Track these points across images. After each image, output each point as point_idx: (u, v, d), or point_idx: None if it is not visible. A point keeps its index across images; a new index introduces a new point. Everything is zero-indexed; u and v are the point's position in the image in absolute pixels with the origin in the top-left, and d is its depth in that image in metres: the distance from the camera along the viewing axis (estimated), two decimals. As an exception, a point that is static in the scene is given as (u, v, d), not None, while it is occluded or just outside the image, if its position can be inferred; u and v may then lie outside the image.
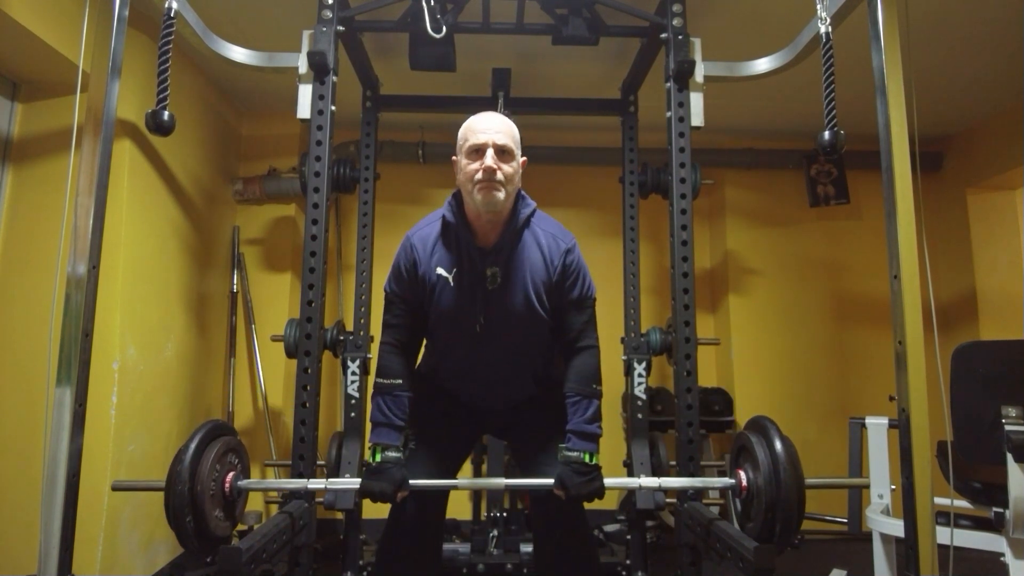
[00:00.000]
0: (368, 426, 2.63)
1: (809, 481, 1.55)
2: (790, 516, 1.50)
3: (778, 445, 1.56)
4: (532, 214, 1.64)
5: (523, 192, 1.64)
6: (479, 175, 1.50)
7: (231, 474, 1.64)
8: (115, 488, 1.76)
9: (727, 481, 1.70)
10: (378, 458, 1.57)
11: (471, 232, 1.60)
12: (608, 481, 1.60)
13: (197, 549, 1.53)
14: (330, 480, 1.76)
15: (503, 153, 1.53)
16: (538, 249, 1.61)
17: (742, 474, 1.66)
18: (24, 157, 2.35)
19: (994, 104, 3.34)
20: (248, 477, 1.72)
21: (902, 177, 1.55)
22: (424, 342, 1.79)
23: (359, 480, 1.60)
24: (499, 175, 1.50)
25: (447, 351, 1.73)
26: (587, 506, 1.73)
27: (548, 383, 1.75)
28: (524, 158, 1.62)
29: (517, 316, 1.60)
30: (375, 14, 2.28)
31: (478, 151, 1.52)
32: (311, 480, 1.75)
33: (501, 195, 1.52)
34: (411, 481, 1.58)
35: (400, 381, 1.63)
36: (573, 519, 1.69)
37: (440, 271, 1.61)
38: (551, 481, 1.57)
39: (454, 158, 1.60)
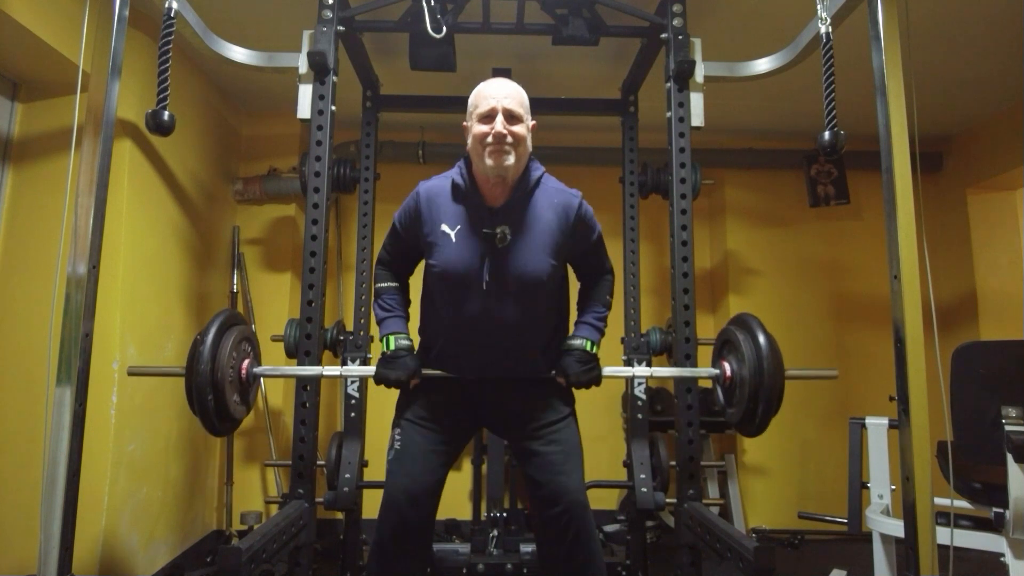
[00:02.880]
0: (368, 426, 2.65)
1: (789, 372, 1.66)
2: (771, 402, 1.62)
3: (761, 338, 1.66)
4: (542, 176, 1.67)
5: (533, 156, 1.66)
6: (489, 139, 1.53)
7: (246, 361, 1.73)
8: (130, 373, 1.84)
9: (712, 371, 1.83)
10: (392, 346, 1.65)
11: (479, 194, 1.62)
12: (606, 370, 1.71)
13: (218, 429, 1.64)
14: (344, 368, 1.85)
15: (512, 118, 1.56)
16: (550, 208, 1.63)
17: (726, 364, 1.76)
18: (24, 157, 2.36)
19: (994, 104, 3.34)
20: (261, 365, 1.81)
21: (902, 177, 1.55)
22: (421, 313, 1.78)
23: (374, 368, 1.67)
24: (509, 139, 1.54)
25: (451, 313, 1.65)
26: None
27: (554, 355, 1.71)
28: (534, 122, 1.64)
29: (528, 274, 1.59)
30: (375, 14, 2.28)
31: (488, 116, 1.55)
32: (325, 368, 1.84)
33: (511, 159, 1.55)
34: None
35: (396, 284, 1.75)
36: (580, 527, 1.65)
37: (444, 227, 1.61)
38: (553, 372, 1.66)
39: (465, 124, 1.64)
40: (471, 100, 1.62)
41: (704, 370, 1.89)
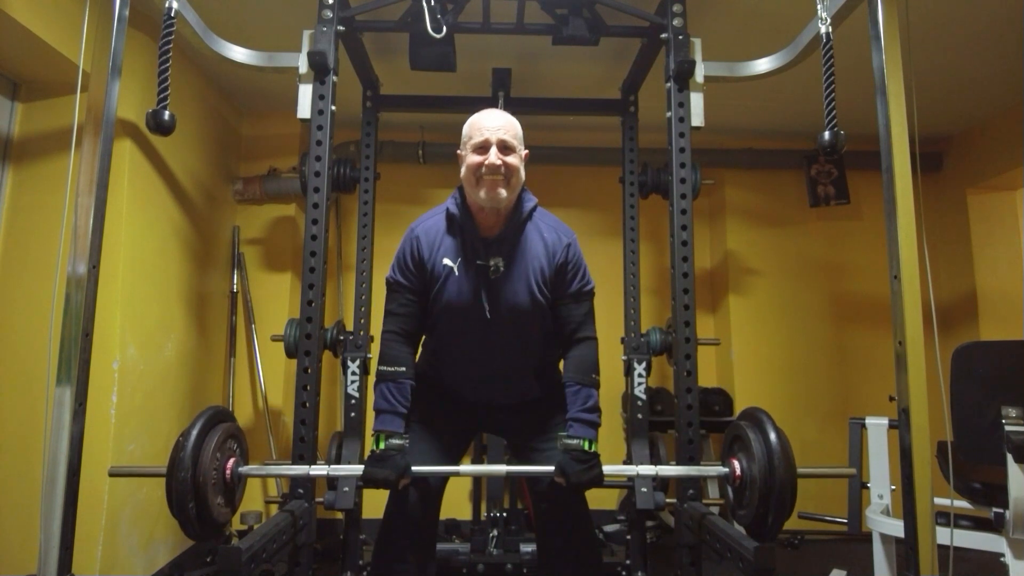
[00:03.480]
0: (368, 426, 2.65)
1: (801, 471, 1.58)
2: (783, 505, 1.53)
3: (772, 436, 1.59)
4: (534, 208, 1.69)
5: (526, 187, 1.69)
6: (483, 170, 1.55)
7: (231, 460, 1.65)
8: (112, 474, 1.77)
9: (721, 469, 1.73)
10: (382, 445, 1.60)
11: (474, 223, 1.64)
12: (607, 469, 1.63)
13: (199, 535, 1.56)
14: (332, 467, 1.78)
15: (506, 148, 1.58)
16: (541, 241, 1.66)
17: (736, 463, 1.69)
18: (24, 157, 2.35)
19: (994, 104, 3.34)
20: (247, 463, 1.73)
21: (902, 177, 1.55)
22: (423, 338, 1.80)
23: (362, 467, 1.61)
24: (503, 169, 1.55)
25: (451, 342, 1.72)
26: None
27: (548, 384, 1.75)
28: (526, 151, 1.67)
29: (519, 306, 1.63)
30: (375, 14, 2.28)
31: (482, 147, 1.57)
32: (313, 466, 1.75)
33: (504, 192, 1.57)
34: (413, 468, 1.59)
35: (403, 369, 1.66)
36: (577, 519, 1.68)
37: (446, 261, 1.64)
38: (551, 468, 1.59)
39: (459, 152, 1.65)
40: (465, 131, 1.64)
41: (712, 468, 1.80)
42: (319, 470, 1.73)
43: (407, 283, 1.68)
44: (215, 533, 1.60)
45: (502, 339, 1.66)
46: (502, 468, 1.68)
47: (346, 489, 2.25)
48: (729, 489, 1.73)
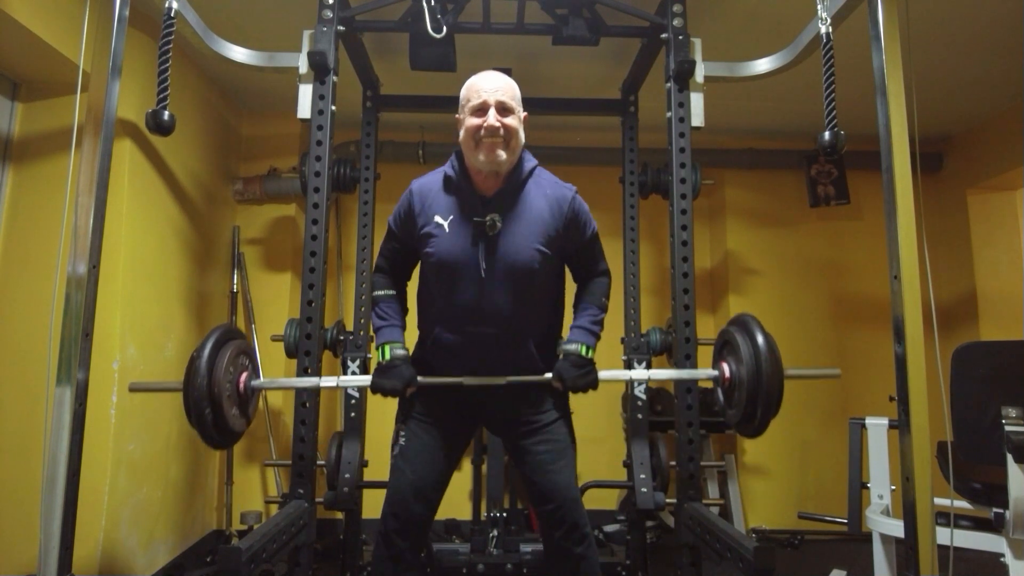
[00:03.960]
0: (368, 426, 2.65)
1: (788, 372, 1.63)
2: (770, 403, 1.59)
3: (760, 339, 1.63)
4: (535, 168, 1.68)
5: (526, 148, 1.67)
6: (482, 132, 1.55)
7: (244, 374, 1.70)
8: (132, 389, 1.82)
9: (711, 372, 1.79)
10: (388, 355, 1.63)
11: (472, 184, 1.63)
12: (602, 374, 1.67)
13: (217, 442, 1.63)
14: (341, 378, 1.84)
15: (505, 110, 1.57)
16: (543, 198, 1.64)
17: (725, 366, 1.74)
18: (24, 157, 2.35)
19: (994, 104, 3.34)
20: (259, 378, 1.77)
21: (902, 177, 1.55)
22: (418, 320, 1.78)
23: (370, 377, 1.65)
24: (502, 131, 1.55)
25: (447, 305, 1.65)
26: (587, 506, 1.74)
27: (550, 354, 1.72)
28: (526, 113, 1.66)
29: (519, 262, 1.59)
30: (375, 14, 2.28)
31: (480, 109, 1.56)
32: (323, 378, 1.80)
33: (504, 154, 1.56)
34: (419, 378, 1.64)
35: (395, 292, 1.74)
36: (573, 518, 1.68)
37: (437, 219, 1.63)
38: (549, 376, 1.65)
39: (457, 116, 1.64)
40: (463, 93, 1.63)
41: (702, 371, 1.88)
42: (329, 382, 1.78)
43: (397, 232, 1.72)
44: (232, 441, 1.69)
45: (499, 299, 1.60)
46: (501, 379, 1.66)
47: (346, 489, 2.25)
48: (719, 391, 1.79)
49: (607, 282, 1.79)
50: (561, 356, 1.66)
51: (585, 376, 1.64)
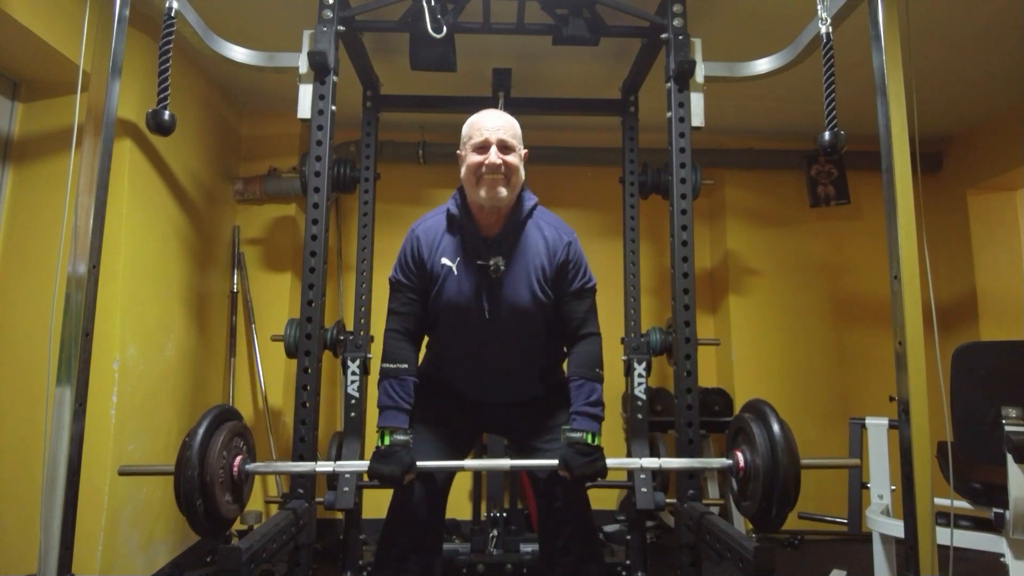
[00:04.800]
0: (368, 426, 2.65)
1: (805, 462, 1.58)
2: (787, 496, 1.54)
3: (776, 428, 1.59)
4: (535, 207, 1.69)
5: (526, 186, 1.69)
6: (483, 170, 1.56)
7: (238, 458, 1.66)
8: (121, 473, 1.77)
9: (725, 461, 1.74)
10: (387, 441, 1.60)
11: (474, 223, 1.64)
12: (610, 462, 1.64)
13: (208, 532, 1.57)
14: (338, 463, 1.79)
15: (506, 148, 1.58)
16: (542, 240, 1.66)
17: (739, 455, 1.69)
18: (24, 157, 2.35)
19: (994, 104, 3.34)
20: (254, 460, 1.74)
21: (902, 177, 1.55)
22: (426, 339, 1.80)
23: (367, 463, 1.62)
24: (503, 169, 1.56)
25: (453, 344, 1.73)
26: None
27: (551, 384, 1.75)
28: (526, 151, 1.67)
29: (520, 305, 1.63)
30: (375, 14, 2.28)
31: (482, 147, 1.58)
32: (319, 463, 1.76)
33: (504, 191, 1.58)
34: (418, 463, 1.60)
35: (406, 366, 1.66)
36: (579, 517, 1.68)
37: (445, 261, 1.64)
38: (555, 461, 1.60)
39: (459, 152, 1.66)
40: (465, 131, 1.64)
41: (716, 460, 1.81)
42: (325, 467, 1.75)
43: (408, 282, 1.69)
44: (224, 529, 1.62)
45: (503, 339, 1.66)
46: (506, 462, 1.70)
47: (346, 489, 2.25)
48: (733, 481, 1.74)
49: (599, 349, 1.70)
50: (565, 443, 1.61)
51: (592, 464, 1.59)
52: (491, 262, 1.60)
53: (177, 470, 1.52)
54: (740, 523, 3.40)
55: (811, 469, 1.61)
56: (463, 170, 1.62)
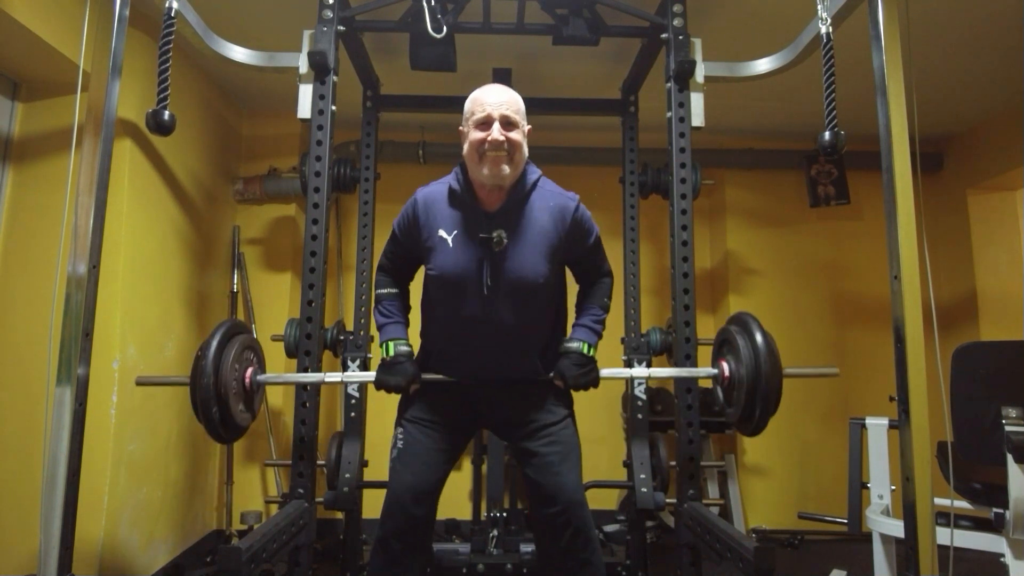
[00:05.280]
0: (368, 426, 2.65)
1: (787, 371, 1.66)
2: (769, 402, 1.62)
3: (759, 337, 1.65)
4: (538, 180, 1.67)
5: (529, 159, 1.66)
6: (486, 146, 1.54)
7: (249, 369, 1.74)
8: (139, 383, 1.86)
9: (710, 371, 1.82)
10: (391, 352, 1.66)
11: (476, 198, 1.63)
12: (604, 372, 1.71)
13: (224, 437, 1.67)
14: (345, 374, 1.86)
15: (509, 124, 1.56)
16: (547, 211, 1.64)
17: (724, 364, 1.76)
18: (24, 157, 2.36)
19: (994, 104, 3.34)
20: (264, 372, 1.81)
21: (902, 177, 1.55)
22: (421, 327, 1.78)
23: (374, 373, 1.68)
24: (506, 145, 1.55)
25: (450, 316, 1.67)
26: (588, 507, 1.73)
27: (550, 359, 1.72)
28: (529, 126, 1.65)
29: (525, 278, 1.60)
30: (375, 14, 2.28)
31: (485, 123, 1.56)
32: (327, 374, 1.83)
33: (508, 168, 1.56)
34: (424, 375, 1.67)
35: (397, 290, 1.76)
36: (579, 518, 1.66)
37: (441, 233, 1.63)
38: (551, 375, 1.67)
39: (461, 129, 1.64)
40: (467, 106, 1.62)
41: (702, 370, 1.89)
42: (333, 377, 1.82)
43: (400, 237, 1.72)
44: (237, 436, 1.73)
45: (502, 312, 1.62)
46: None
47: (346, 489, 2.25)
48: (719, 389, 1.81)
49: (609, 283, 1.80)
50: (563, 354, 1.67)
51: (587, 374, 1.66)
52: (493, 235, 1.58)
53: (193, 380, 1.59)
54: (740, 523, 3.40)
55: (793, 377, 1.70)
56: (465, 147, 1.60)
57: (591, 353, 1.68)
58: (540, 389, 1.71)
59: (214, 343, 1.60)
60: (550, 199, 1.65)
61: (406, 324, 1.75)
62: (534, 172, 1.67)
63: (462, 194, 1.63)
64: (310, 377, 1.90)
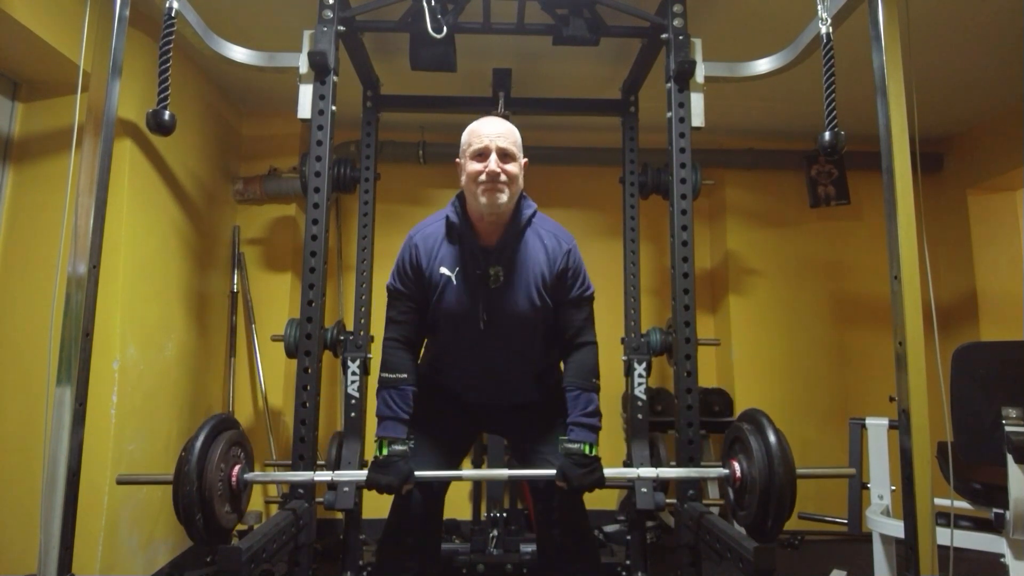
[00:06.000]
0: (368, 426, 2.64)
1: (800, 471, 1.58)
2: (782, 507, 1.54)
3: (772, 438, 1.59)
4: (534, 215, 1.68)
5: (525, 194, 1.68)
6: (483, 177, 1.55)
7: (237, 468, 1.66)
8: (119, 482, 1.76)
9: (721, 471, 1.74)
10: (385, 451, 1.61)
11: (474, 232, 1.64)
12: (608, 472, 1.63)
13: (207, 542, 1.58)
14: (336, 472, 1.79)
15: (505, 156, 1.57)
16: (542, 248, 1.65)
17: (736, 464, 1.70)
18: (24, 157, 2.35)
19: (994, 105, 3.34)
20: (252, 469, 1.73)
21: (902, 178, 1.55)
22: (426, 341, 1.81)
23: (365, 472, 1.62)
24: (503, 177, 1.55)
25: (450, 349, 1.74)
26: (587, 506, 1.74)
27: (548, 385, 1.76)
28: (525, 159, 1.66)
29: (519, 314, 1.63)
30: (376, 14, 2.28)
31: (482, 154, 1.57)
32: (317, 472, 1.76)
33: (504, 197, 1.56)
34: (416, 472, 1.60)
35: (405, 375, 1.66)
36: (573, 515, 1.69)
37: (444, 270, 1.64)
38: (553, 471, 1.60)
39: (458, 160, 1.65)
40: (464, 138, 1.63)
41: (713, 470, 1.81)
42: (323, 476, 1.75)
43: (406, 291, 1.68)
44: (222, 539, 1.62)
45: (499, 345, 1.66)
46: (504, 472, 1.71)
47: (346, 490, 2.24)
48: (730, 490, 1.74)
49: (595, 358, 1.71)
50: (563, 454, 1.61)
51: (590, 475, 1.59)
52: (491, 271, 1.60)
53: (176, 485, 1.52)
54: (740, 523, 3.40)
55: (807, 479, 1.63)
56: (463, 178, 1.61)
57: (593, 452, 1.62)
58: (540, 408, 1.76)
59: (198, 444, 1.53)
60: (545, 237, 1.67)
61: (408, 419, 1.66)
62: (529, 207, 1.68)
63: (460, 227, 1.63)
64: (299, 475, 1.81)
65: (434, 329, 1.73)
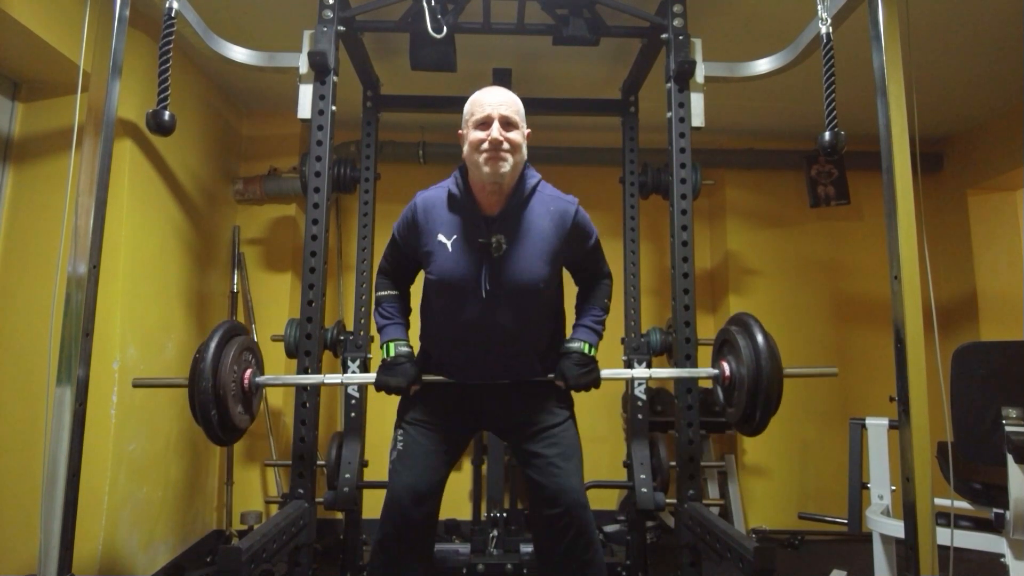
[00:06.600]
0: (368, 427, 2.65)
1: (787, 370, 1.66)
2: (769, 402, 1.63)
3: (759, 338, 1.66)
4: (538, 183, 1.67)
5: (529, 164, 1.66)
6: (485, 145, 1.54)
7: (248, 371, 1.74)
8: (136, 385, 1.85)
9: (711, 371, 1.83)
10: (392, 353, 1.66)
11: (475, 202, 1.62)
12: (605, 372, 1.71)
13: (222, 440, 1.67)
14: (346, 375, 1.85)
15: (508, 124, 1.56)
16: (547, 215, 1.63)
17: (725, 364, 1.77)
18: (24, 157, 2.35)
19: (994, 105, 3.34)
20: (263, 373, 1.81)
21: (902, 178, 1.55)
22: (421, 328, 1.79)
23: (375, 375, 1.68)
24: (505, 145, 1.54)
25: (449, 320, 1.67)
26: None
27: (550, 362, 1.72)
28: (529, 130, 1.64)
29: (523, 283, 1.60)
30: (376, 14, 2.28)
31: (484, 123, 1.56)
32: (327, 376, 1.84)
33: (507, 166, 1.55)
34: (424, 376, 1.67)
35: (396, 292, 1.76)
36: (580, 520, 1.65)
37: (440, 237, 1.62)
38: (551, 375, 1.67)
39: (460, 132, 1.64)
40: (467, 108, 1.62)
41: (703, 370, 1.89)
42: (333, 379, 1.83)
43: (400, 241, 1.72)
44: (236, 438, 1.74)
45: (501, 316, 1.62)
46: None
47: (346, 489, 2.25)
48: (719, 389, 1.82)
49: (609, 284, 1.81)
50: (564, 355, 1.68)
51: (588, 374, 1.66)
52: (492, 240, 1.58)
53: (191, 382, 1.59)
54: (740, 523, 3.40)
55: (794, 377, 1.70)
56: (465, 148, 1.60)
57: (592, 353, 1.69)
58: (541, 391, 1.71)
59: (212, 345, 1.60)
60: (550, 203, 1.65)
61: (407, 325, 1.75)
62: (533, 176, 1.66)
63: (461, 198, 1.62)
64: (309, 378, 1.91)
65: (434, 301, 1.70)
